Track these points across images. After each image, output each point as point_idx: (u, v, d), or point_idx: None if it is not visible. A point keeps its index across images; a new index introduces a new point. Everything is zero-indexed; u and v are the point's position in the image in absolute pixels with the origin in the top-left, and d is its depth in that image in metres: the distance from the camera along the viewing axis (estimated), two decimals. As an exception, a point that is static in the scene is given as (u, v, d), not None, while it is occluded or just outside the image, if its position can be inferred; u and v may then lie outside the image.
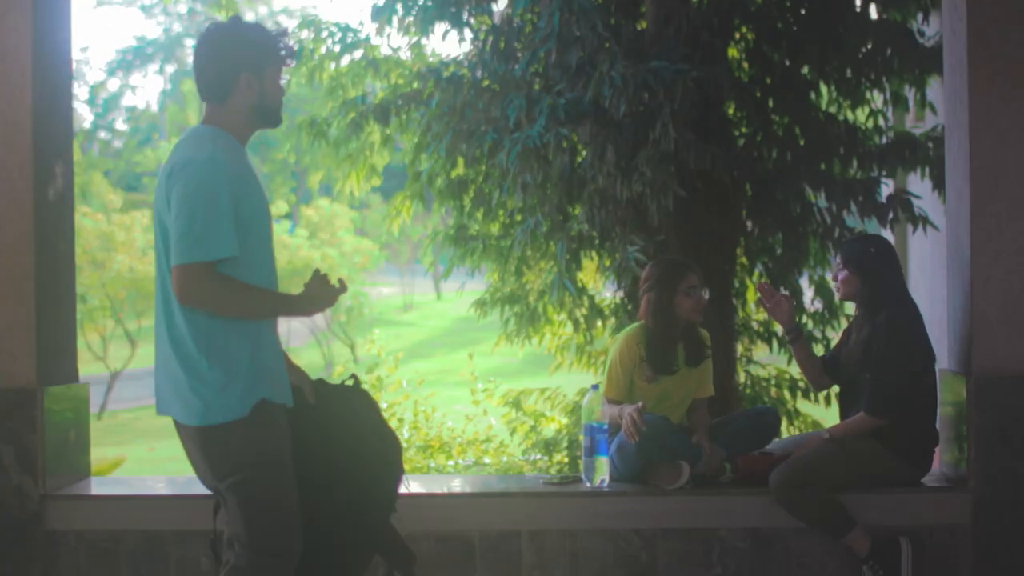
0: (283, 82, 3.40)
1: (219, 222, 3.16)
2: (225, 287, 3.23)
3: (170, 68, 50.83)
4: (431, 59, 8.63)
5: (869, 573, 4.27)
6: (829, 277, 8.41)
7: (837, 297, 4.60)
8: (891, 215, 7.39)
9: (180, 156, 3.26)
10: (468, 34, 7.91)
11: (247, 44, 3.32)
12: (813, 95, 7.70)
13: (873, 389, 4.33)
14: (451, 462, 8.93)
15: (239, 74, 3.30)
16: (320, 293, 3.44)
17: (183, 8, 48.95)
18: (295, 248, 32.54)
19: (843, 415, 4.59)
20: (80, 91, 48.49)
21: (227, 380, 3.26)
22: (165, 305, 3.32)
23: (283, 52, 3.38)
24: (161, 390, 3.39)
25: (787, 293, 4.47)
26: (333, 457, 3.47)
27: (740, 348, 8.32)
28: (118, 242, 26.33)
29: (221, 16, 10.51)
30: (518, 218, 7.90)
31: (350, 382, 3.67)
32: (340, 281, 3.48)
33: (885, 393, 4.32)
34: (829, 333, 8.28)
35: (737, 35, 7.79)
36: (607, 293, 8.68)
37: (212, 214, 3.15)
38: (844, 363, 4.56)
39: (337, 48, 8.60)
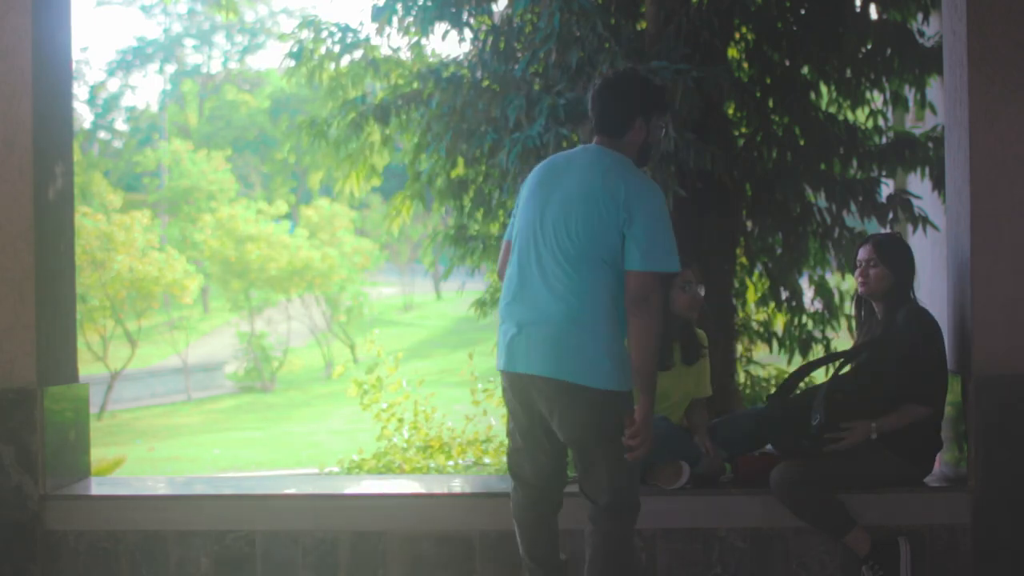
0: (661, 132, 3.95)
1: (675, 244, 3.76)
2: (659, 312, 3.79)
3: (170, 68, 50.82)
4: (431, 59, 8.63)
5: (868, 573, 4.27)
6: (828, 275, 8.44)
7: (861, 291, 4.54)
8: (891, 215, 7.39)
9: (631, 180, 3.75)
10: (468, 34, 7.91)
11: (644, 94, 3.88)
12: (813, 95, 7.70)
13: (924, 380, 4.32)
14: (451, 462, 8.92)
15: (636, 118, 3.84)
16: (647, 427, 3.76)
17: (183, 8, 48.97)
18: (295, 248, 32.57)
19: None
20: (80, 91, 48.50)
21: (624, 357, 3.74)
22: (575, 282, 3.72)
23: (666, 106, 3.97)
24: (563, 354, 3.70)
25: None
26: None
27: (740, 348, 8.32)
28: (118, 242, 26.34)
29: (222, 16, 10.56)
30: (518, 218, 7.88)
31: None
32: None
33: (935, 383, 4.34)
34: (829, 333, 8.28)
35: (737, 35, 7.79)
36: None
37: (672, 236, 3.75)
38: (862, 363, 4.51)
39: (337, 48, 8.60)
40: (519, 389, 3.82)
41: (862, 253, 4.50)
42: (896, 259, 4.46)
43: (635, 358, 3.69)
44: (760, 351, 8.73)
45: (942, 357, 4.39)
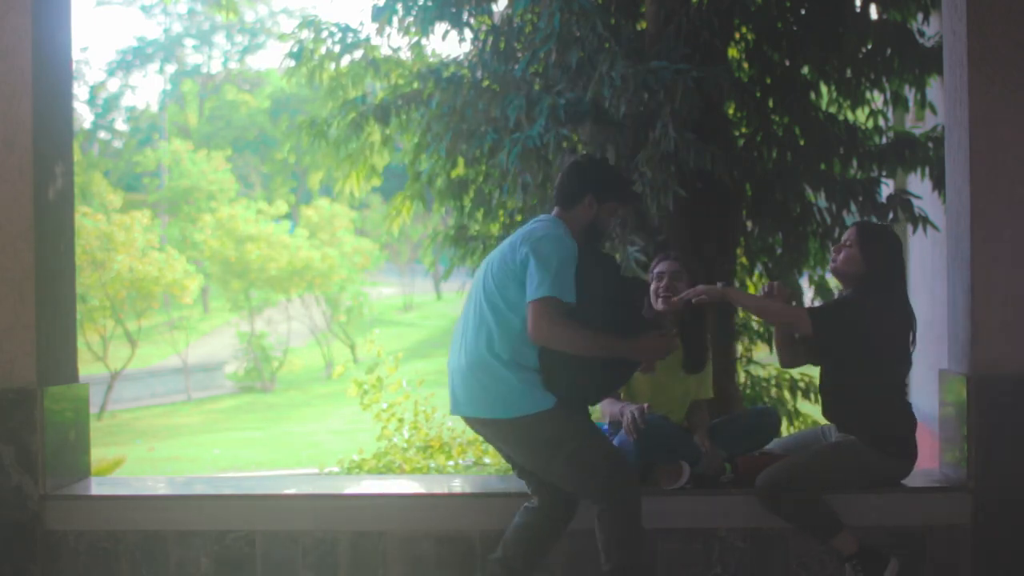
0: (614, 220, 4.17)
1: (569, 277, 3.92)
2: (568, 325, 3.92)
3: (170, 68, 50.82)
4: (431, 59, 8.63)
5: (851, 571, 4.25)
6: (828, 276, 8.44)
7: (829, 268, 4.49)
8: (891, 215, 7.38)
9: (538, 229, 4.02)
10: (468, 34, 7.91)
11: (602, 176, 4.13)
12: (813, 95, 7.70)
13: (827, 334, 4.27)
14: (451, 462, 8.94)
15: (586, 194, 4.08)
16: (651, 344, 4.02)
17: (183, 8, 48.97)
18: (295, 248, 32.58)
19: (825, 407, 4.54)
20: (80, 91, 48.51)
21: (535, 379, 3.97)
22: (482, 328, 4.00)
23: (624, 196, 4.18)
24: (473, 395, 4.03)
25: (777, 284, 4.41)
26: None
27: (740, 348, 8.32)
28: (118, 242, 26.37)
29: (222, 16, 10.59)
30: (518, 218, 7.90)
31: None
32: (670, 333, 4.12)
33: (829, 334, 4.26)
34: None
35: (737, 35, 7.78)
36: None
37: (566, 269, 3.92)
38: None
39: (337, 48, 8.60)
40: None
41: (846, 234, 4.43)
42: (873, 248, 4.32)
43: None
44: (760, 351, 8.73)
45: (853, 346, 4.26)
